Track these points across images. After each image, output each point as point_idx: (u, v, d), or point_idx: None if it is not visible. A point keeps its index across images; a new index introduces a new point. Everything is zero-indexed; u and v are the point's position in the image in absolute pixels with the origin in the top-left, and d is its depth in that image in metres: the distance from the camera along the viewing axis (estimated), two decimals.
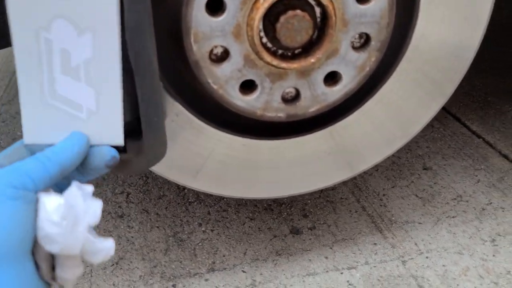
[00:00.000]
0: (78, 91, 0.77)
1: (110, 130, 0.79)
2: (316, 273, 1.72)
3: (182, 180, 1.30)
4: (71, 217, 0.63)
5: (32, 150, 0.74)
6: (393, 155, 2.34)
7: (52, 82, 0.76)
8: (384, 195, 2.17)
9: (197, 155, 1.25)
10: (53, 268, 0.64)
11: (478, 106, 2.76)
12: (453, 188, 2.17)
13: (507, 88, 2.89)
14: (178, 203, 2.10)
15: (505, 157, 2.33)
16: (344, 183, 2.23)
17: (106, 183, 2.22)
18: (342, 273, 1.72)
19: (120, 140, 0.79)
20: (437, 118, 2.64)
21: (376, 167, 2.34)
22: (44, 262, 0.62)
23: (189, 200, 2.12)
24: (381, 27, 1.09)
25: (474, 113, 2.69)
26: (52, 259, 0.65)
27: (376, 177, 2.30)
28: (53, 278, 0.64)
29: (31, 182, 0.62)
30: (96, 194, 2.26)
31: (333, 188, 2.23)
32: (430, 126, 2.60)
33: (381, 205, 2.10)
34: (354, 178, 2.27)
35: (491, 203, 2.06)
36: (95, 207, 0.68)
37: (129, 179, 2.25)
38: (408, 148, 2.43)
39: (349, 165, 1.46)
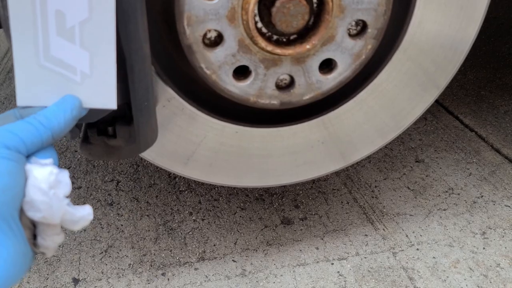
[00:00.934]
0: (72, 54, 0.77)
1: (104, 94, 0.79)
2: (306, 264, 1.71)
3: (172, 167, 1.28)
4: (58, 188, 0.63)
5: (24, 114, 0.73)
6: (385, 147, 2.35)
7: (46, 44, 0.75)
8: (376, 186, 2.17)
9: (189, 141, 1.23)
10: (34, 236, 0.64)
11: (471, 100, 2.76)
12: (444, 181, 2.18)
13: (500, 83, 2.90)
14: (169, 192, 2.07)
15: (497, 151, 2.33)
16: (337, 174, 2.23)
17: (95, 170, 2.19)
18: (332, 263, 1.72)
19: (113, 104, 0.79)
20: (430, 111, 2.65)
21: (368, 159, 2.34)
22: (27, 229, 0.61)
23: (180, 189, 2.09)
24: (378, 14, 1.07)
25: (467, 107, 2.69)
26: (34, 227, 0.64)
27: (368, 169, 2.29)
28: (35, 245, 0.63)
29: (23, 146, 0.61)
30: (85, 181, 2.22)
31: (325, 179, 2.23)
32: (423, 119, 2.61)
33: (373, 197, 2.10)
34: (347, 169, 2.27)
35: (482, 196, 2.07)
36: (66, 177, 0.68)
37: (119, 167, 2.22)
38: (400, 140, 2.43)
39: (342, 155, 1.44)
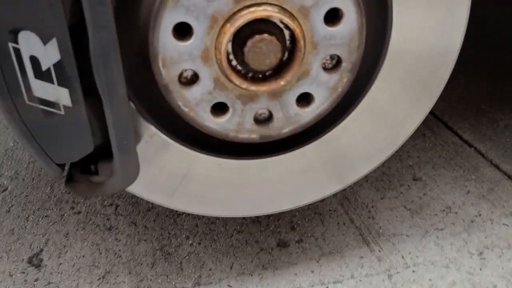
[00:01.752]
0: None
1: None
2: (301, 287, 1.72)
3: (159, 200, 1.31)
4: None
5: None
6: (383, 165, 2.34)
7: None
8: (372, 206, 2.16)
9: (173, 175, 1.25)
10: None
11: (470, 114, 2.73)
12: (442, 199, 2.16)
13: (500, 95, 2.86)
14: (167, 216, 2.10)
15: (496, 166, 2.30)
16: (333, 194, 2.22)
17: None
18: (327, 287, 1.72)
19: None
20: (428, 127, 2.64)
21: (366, 178, 2.33)
22: None
23: (178, 213, 2.12)
24: (351, 48, 1.08)
25: (466, 121, 2.66)
26: None
27: (365, 188, 2.28)
28: None
29: None
30: (85, 206, 2.25)
31: (321, 200, 2.23)
32: (421, 135, 2.59)
33: (369, 217, 2.09)
34: (344, 189, 2.26)
35: (480, 214, 2.04)
36: None
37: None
38: (398, 157, 2.42)
39: (339, 177, 1.46)
